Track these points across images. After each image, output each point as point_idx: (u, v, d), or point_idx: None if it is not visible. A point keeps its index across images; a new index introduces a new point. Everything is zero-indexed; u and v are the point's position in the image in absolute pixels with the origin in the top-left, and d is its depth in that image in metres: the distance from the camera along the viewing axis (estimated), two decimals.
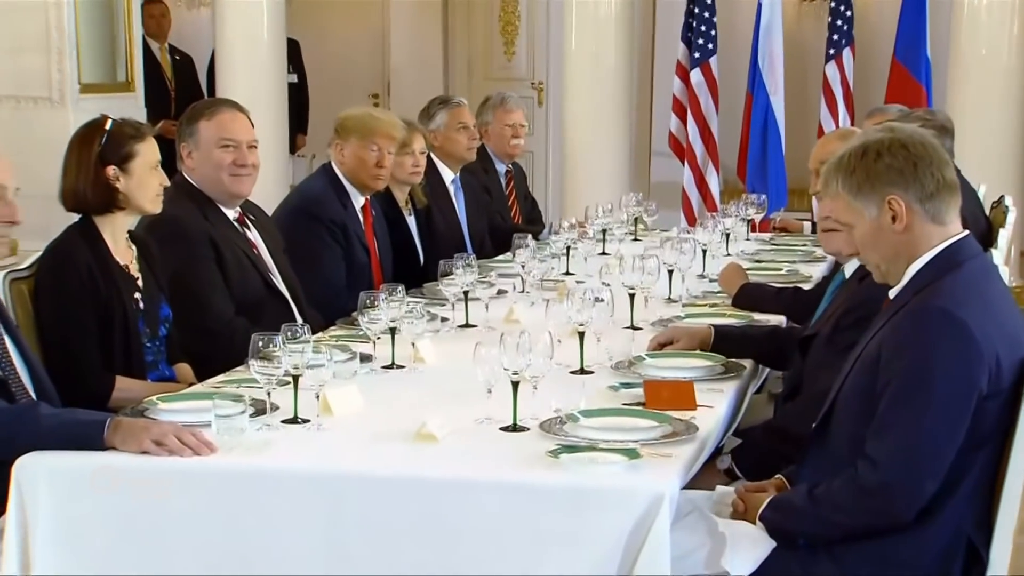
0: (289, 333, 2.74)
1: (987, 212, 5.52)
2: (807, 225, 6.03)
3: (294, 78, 9.28)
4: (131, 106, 7.09)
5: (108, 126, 3.41)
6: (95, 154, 3.36)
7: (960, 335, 2.39)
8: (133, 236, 3.53)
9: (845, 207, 2.58)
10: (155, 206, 3.48)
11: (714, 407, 2.91)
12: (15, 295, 3.30)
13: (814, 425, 2.64)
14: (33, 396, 2.95)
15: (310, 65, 9.89)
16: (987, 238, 4.68)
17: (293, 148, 9.26)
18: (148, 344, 3.46)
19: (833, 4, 8.32)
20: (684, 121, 8.51)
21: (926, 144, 2.53)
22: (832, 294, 3.41)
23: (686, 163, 8.48)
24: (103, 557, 2.52)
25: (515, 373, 2.67)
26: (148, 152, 3.44)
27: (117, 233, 3.45)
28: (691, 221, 7.83)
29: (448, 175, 5.58)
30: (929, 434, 2.38)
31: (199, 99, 5.51)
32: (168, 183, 3.53)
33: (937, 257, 2.51)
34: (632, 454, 2.51)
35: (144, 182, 3.42)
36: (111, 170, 3.37)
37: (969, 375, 2.39)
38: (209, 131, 3.88)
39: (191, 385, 3.27)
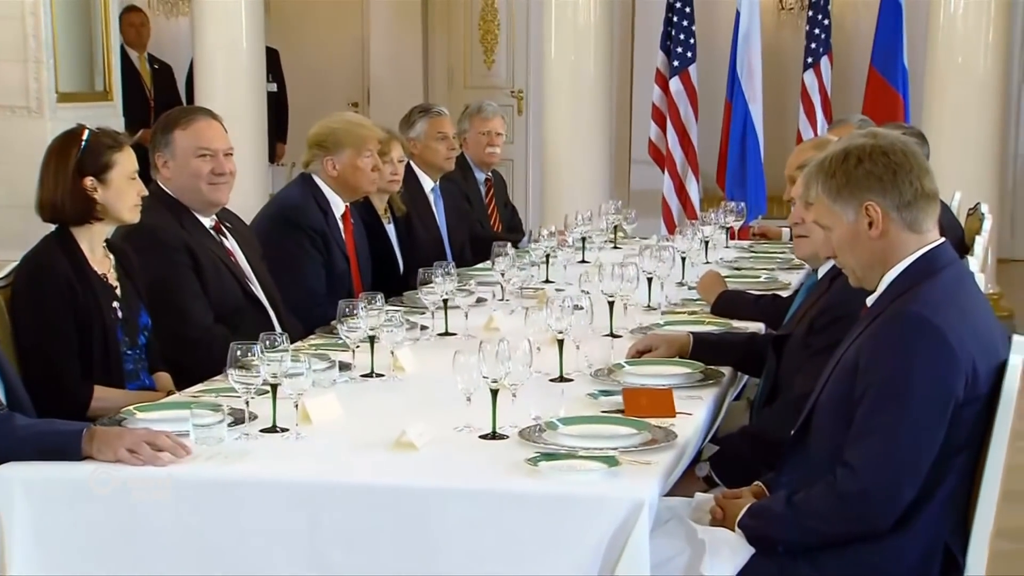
0: (267, 342, 2.74)
1: (963, 219, 5.56)
2: (786, 232, 6.04)
3: (274, 87, 9.27)
4: (109, 115, 7.05)
5: (85, 136, 3.39)
6: (72, 165, 3.34)
7: (937, 342, 2.40)
8: (111, 245, 3.52)
9: (824, 210, 2.59)
10: (133, 216, 3.46)
11: (693, 414, 2.91)
12: None
13: (792, 432, 2.65)
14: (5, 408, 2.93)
15: (290, 74, 9.88)
16: (961, 246, 4.70)
17: (272, 157, 9.24)
18: (128, 352, 3.44)
19: (811, 13, 8.37)
20: (663, 129, 8.53)
21: (907, 152, 2.54)
22: (805, 293, 3.42)
23: (666, 171, 8.50)
24: (80, 567, 2.50)
25: (494, 381, 2.67)
26: (126, 162, 3.42)
27: (94, 242, 3.43)
28: (671, 229, 7.83)
29: (428, 183, 5.58)
30: (907, 441, 2.39)
31: None
32: (146, 192, 3.52)
33: (913, 264, 2.52)
34: (611, 462, 2.51)
35: (122, 192, 3.40)
36: (89, 181, 3.35)
37: (946, 382, 2.40)
38: (185, 140, 3.87)
39: (170, 394, 3.25)
